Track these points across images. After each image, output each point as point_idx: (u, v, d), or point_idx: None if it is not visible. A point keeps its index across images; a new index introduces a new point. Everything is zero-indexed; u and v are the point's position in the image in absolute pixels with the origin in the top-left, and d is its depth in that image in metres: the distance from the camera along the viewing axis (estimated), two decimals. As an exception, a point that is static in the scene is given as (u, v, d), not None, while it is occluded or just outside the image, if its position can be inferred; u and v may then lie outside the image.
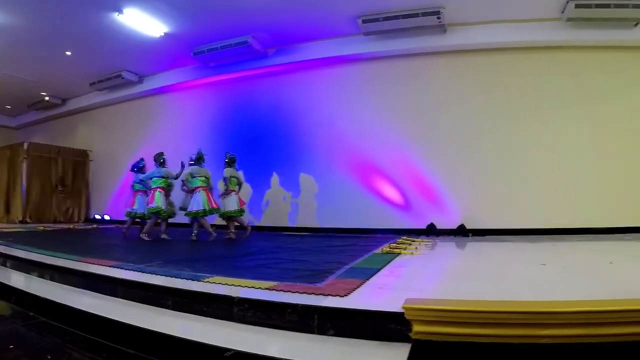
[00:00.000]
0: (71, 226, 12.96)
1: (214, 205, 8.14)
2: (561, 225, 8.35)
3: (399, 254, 5.71)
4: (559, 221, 8.43)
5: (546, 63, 8.94)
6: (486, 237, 8.46)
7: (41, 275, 5.01)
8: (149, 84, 13.21)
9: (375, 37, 9.65)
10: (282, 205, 11.04)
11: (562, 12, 8.24)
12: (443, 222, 9.14)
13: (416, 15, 8.63)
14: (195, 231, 8.00)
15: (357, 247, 6.57)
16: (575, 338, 2.36)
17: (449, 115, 9.41)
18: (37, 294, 4.09)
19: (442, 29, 9.04)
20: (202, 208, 7.90)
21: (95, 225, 13.43)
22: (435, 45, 9.40)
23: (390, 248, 6.12)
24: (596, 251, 6.07)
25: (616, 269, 4.23)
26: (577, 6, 7.85)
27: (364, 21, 9.03)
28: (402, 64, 9.90)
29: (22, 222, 13.62)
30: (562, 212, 8.52)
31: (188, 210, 8.10)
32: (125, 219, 9.45)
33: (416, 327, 2.54)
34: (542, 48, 8.93)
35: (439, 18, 8.59)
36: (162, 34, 10.08)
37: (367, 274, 4.01)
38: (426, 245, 6.99)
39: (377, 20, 8.95)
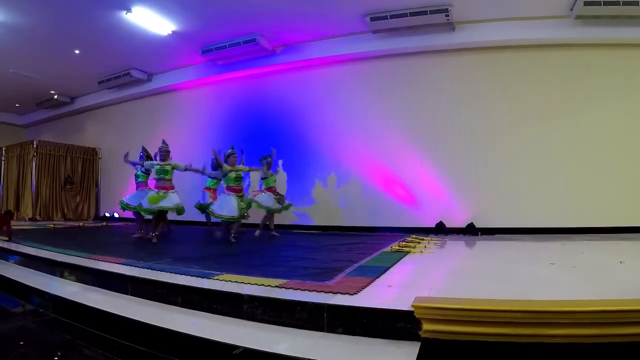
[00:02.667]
0: (81, 224, 13.01)
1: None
2: (570, 225, 8.31)
3: (408, 252, 5.72)
4: (568, 220, 8.39)
5: (555, 61, 8.88)
6: (496, 235, 8.42)
7: (51, 273, 5.04)
8: (158, 82, 13.26)
9: (383, 35, 9.62)
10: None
11: (571, 9, 8.19)
12: (452, 221, 9.11)
13: (424, 12, 8.59)
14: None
15: (366, 245, 6.57)
16: (585, 338, 2.36)
17: (458, 114, 9.37)
18: (48, 291, 4.13)
19: (450, 26, 9.01)
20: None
21: (105, 223, 13.46)
22: (444, 43, 9.35)
23: (399, 246, 6.12)
24: (606, 250, 6.03)
25: (626, 269, 4.20)
26: (586, 3, 7.79)
27: (372, 19, 9.00)
28: (410, 62, 9.86)
29: (32, 219, 13.69)
30: (572, 211, 8.47)
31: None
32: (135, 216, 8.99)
33: (425, 326, 2.55)
34: (551, 46, 8.87)
35: (447, 16, 8.56)
36: (170, 32, 10.09)
37: (376, 272, 4.02)
38: (435, 243, 6.98)
39: (385, 18, 8.92)
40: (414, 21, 8.82)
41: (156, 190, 7.42)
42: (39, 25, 9.66)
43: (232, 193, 7.73)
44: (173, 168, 7.62)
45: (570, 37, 8.58)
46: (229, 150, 8.00)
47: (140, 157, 8.82)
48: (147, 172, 8.66)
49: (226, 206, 7.56)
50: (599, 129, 8.56)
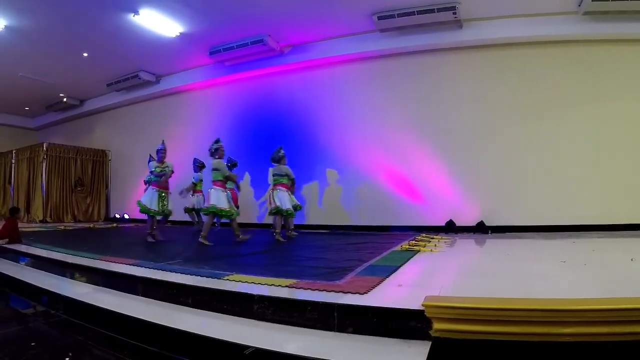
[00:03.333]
0: (91, 225, 13.09)
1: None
2: (581, 222, 8.25)
3: (418, 251, 5.70)
4: (578, 218, 8.32)
5: (563, 57, 8.80)
6: (506, 233, 8.38)
7: (62, 274, 5.08)
8: (166, 84, 13.32)
9: (390, 34, 9.60)
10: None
11: (579, 5, 8.12)
12: (462, 219, 9.06)
13: (432, 10, 8.57)
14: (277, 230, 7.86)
15: (375, 245, 6.56)
16: (596, 336, 2.34)
17: (467, 112, 9.33)
18: (59, 292, 4.16)
19: (458, 24, 8.98)
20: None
21: (115, 224, 13.54)
22: (452, 41, 9.32)
23: (409, 245, 6.10)
24: (617, 248, 5.98)
25: (638, 266, 4.17)
26: (594, -1, 7.76)
27: (379, 18, 8.99)
28: (418, 61, 9.84)
29: (43, 221, 13.78)
30: (582, 208, 8.40)
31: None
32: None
33: (436, 325, 2.54)
34: (558, 42, 8.79)
35: (454, 13, 8.53)
36: (178, 34, 10.14)
37: (386, 271, 4.01)
38: (445, 242, 6.94)
39: (392, 16, 8.90)
40: (422, 19, 8.80)
41: (222, 189, 7.41)
42: (47, 29, 9.74)
43: (284, 189, 7.95)
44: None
45: (578, 33, 8.50)
46: (281, 152, 8.10)
47: (158, 153, 8.66)
48: (159, 175, 8.43)
49: (284, 201, 7.81)
50: (609, 126, 8.47)
